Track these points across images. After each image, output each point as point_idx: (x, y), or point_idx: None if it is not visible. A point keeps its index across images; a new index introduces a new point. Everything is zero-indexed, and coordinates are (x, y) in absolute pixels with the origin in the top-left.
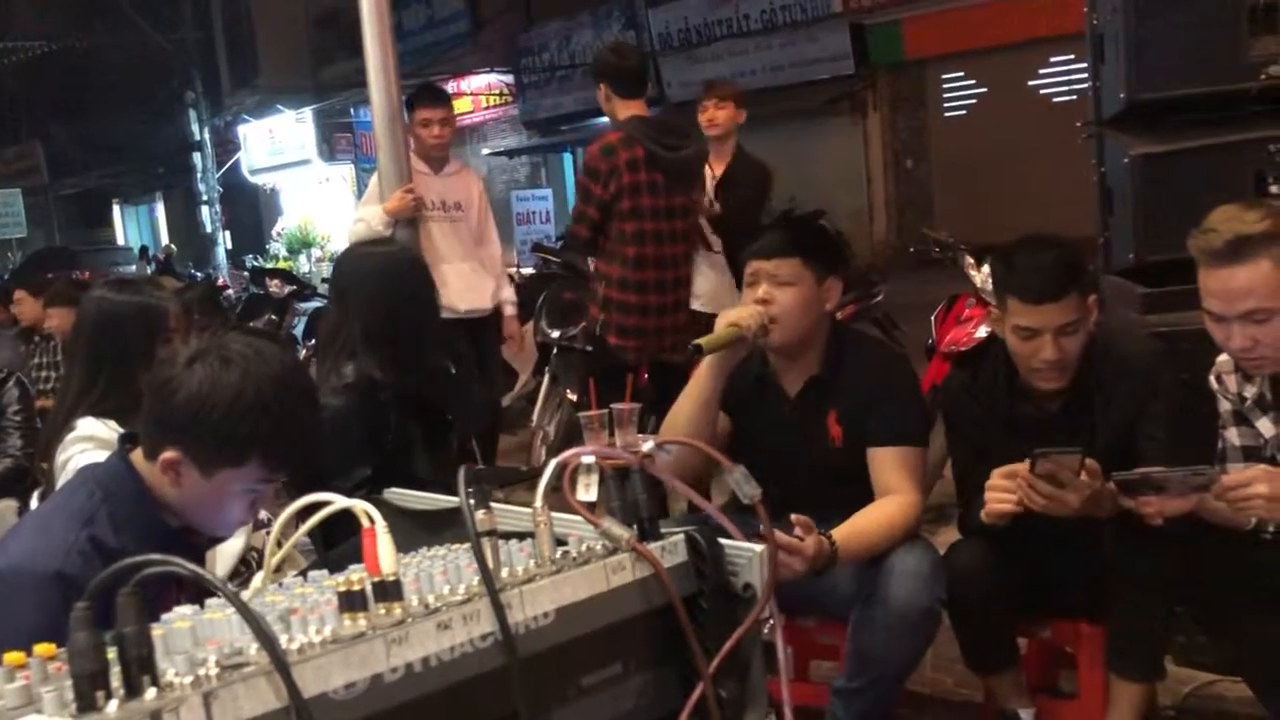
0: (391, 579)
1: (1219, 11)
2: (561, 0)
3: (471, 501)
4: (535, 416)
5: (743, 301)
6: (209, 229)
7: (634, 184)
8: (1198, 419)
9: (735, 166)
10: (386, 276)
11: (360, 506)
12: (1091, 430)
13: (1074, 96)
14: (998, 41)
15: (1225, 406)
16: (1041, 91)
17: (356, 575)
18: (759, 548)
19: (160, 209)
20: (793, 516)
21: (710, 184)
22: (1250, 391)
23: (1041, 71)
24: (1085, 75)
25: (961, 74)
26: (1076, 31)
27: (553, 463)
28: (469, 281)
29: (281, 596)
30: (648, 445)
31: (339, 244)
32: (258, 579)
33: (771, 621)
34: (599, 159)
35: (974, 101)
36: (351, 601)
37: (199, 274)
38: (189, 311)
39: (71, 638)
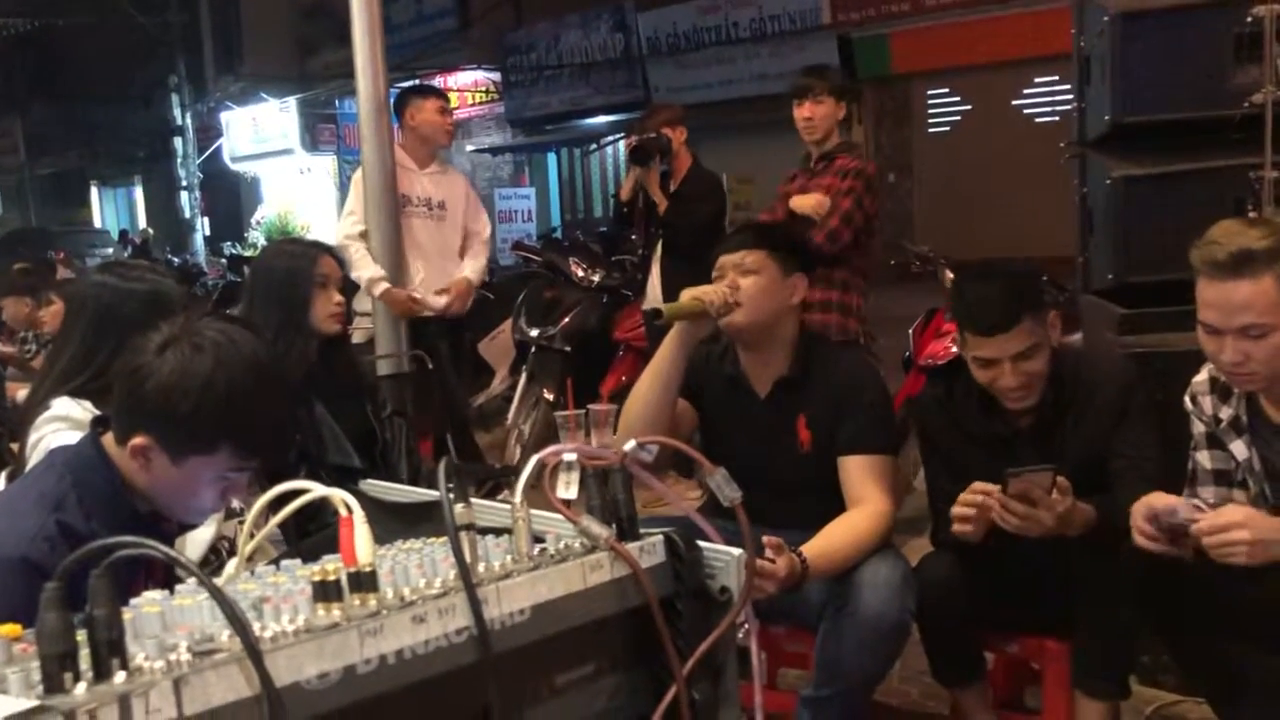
0: (367, 570)
1: (1205, 39)
2: (551, 0)
3: (451, 495)
4: (511, 415)
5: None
6: (188, 215)
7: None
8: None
9: (687, 181)
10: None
11: (338, 495)
12: (1062, 447)
13: (1056, 117)
14: (983, 60)
15: (1198, 429)
16: (1025, 111)
17: (332, 565)
18: (737, 552)
19: (139, 192)
20: (765, 538)
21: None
22: (1225, 413)
23: (1025, 91)
24: (1068, 96)
25: (946, 90)
26: (1061, 53)
27: (533, 459)
28: (447, 281)
29: (254, 585)
30: (629, 445)
31: (318, 234)
32: (231, 566)
33: (747, 626)
34: (876, 173)
35: (958, 118)
36: (326, 591)
37: (176, 259)
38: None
39: (41, 618)
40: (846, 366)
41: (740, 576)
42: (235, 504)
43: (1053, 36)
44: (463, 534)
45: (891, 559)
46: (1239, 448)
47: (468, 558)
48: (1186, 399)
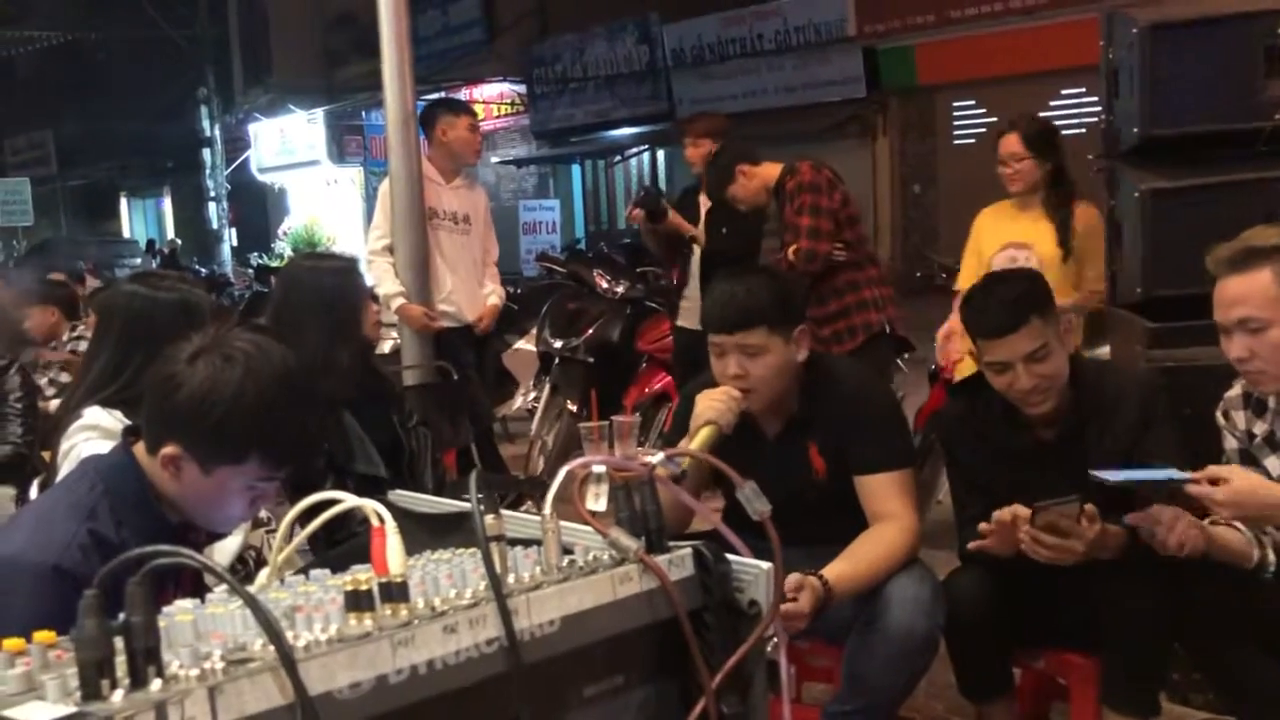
0: (399, 580)
1: (1234, 51)
2: (576, 12)
3: (482, 507)
4: (534, 426)
5: (715, 373)
6: (215, 225)
7: (844, 193)
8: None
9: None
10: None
11: (370, 506)
12: (1086, 459)
13: (1083, 130)
14: (1009, 71)
15: (1231, 444)
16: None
17: (364, 575)
18: (766, 565)
19: (167, 203)
20: (787, 581)
21: (702, 215)
22: (1260, 429)
23: (1052, 103)
24: (1095, 109)
25: (972, 102)
26: (1087, 65)
27: (563, 470)
28: (473, 294)
29: (285, 594)
30: (657, 458)
31: (344, 245)
32: (263, 575)
33: (775, 640)
34: (813, 170)
35: (983, 130)
36: (358, 601)
37: (203, 269)
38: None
39: (80, 624)
40: (850, 385)
41: (769, 590)
42: (262, 513)
43: (1079, 48)
44: (493, 545)
45: (920, 574)
46: (1273, 464)
47: (498, 569)
48: (1219, 413)
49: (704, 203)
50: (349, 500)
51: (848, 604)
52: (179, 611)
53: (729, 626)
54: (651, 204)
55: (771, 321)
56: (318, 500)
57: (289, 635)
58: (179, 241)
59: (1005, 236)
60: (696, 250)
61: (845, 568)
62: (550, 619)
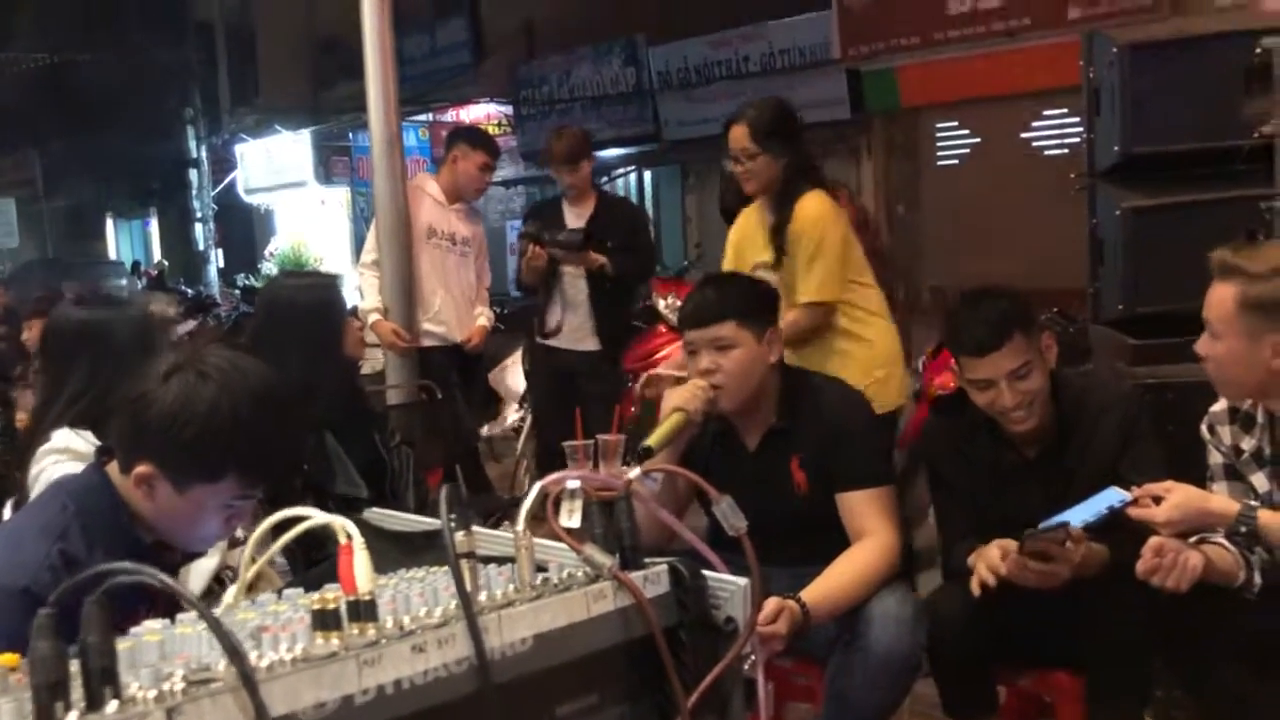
0: (367, 598)
1: (1214, 70)
2: (563, 34)
3: (452, 523)
4: (520, 446)
5: (688, 372)
6: (201, 246)
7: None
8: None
9: (603, 221)
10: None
11: (338, 523)
12: (1069, 475)
13: (1065, 150)
14: (991, 93)
15: (1216, 459)
16: (1033, 143)
17: (331, 594)
18: (743, 581)
19: (154, 225)
20: (764, 606)
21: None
22: (1247, 444)
23: (1034, 124)
24: (1076, 129)
25: (955, 123)
26: (1069, 86)
27: (536, 486)
28: (463, 316)
29: (254, 614)
30: (633, 473)
31: (331, 266)
32: (229, 594)
33: (753, 657)
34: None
35: (966, 151)
36: (325, 620)
37: (189, 290)
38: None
39: (32, 646)
40: (833, 401)
41: (746, 606)
42: (240, 532)
43: (1061, 70)
44: (464, 562)
45: (902, 593)
46: (1260, 480)
47: (469, 586)
48: (1204, 428)
49: (571, 216)
50: (317, 517)
51: (831, 623)
52: (147, 632)
53: (705, 644)
54: (573, 242)
55: (741, 316)
56: (286, 517)
57: (254, 655)
58: (165, 263)
59: (756, 254)
60: (569, 272)
61: (824, 589)
62: (522, 637)
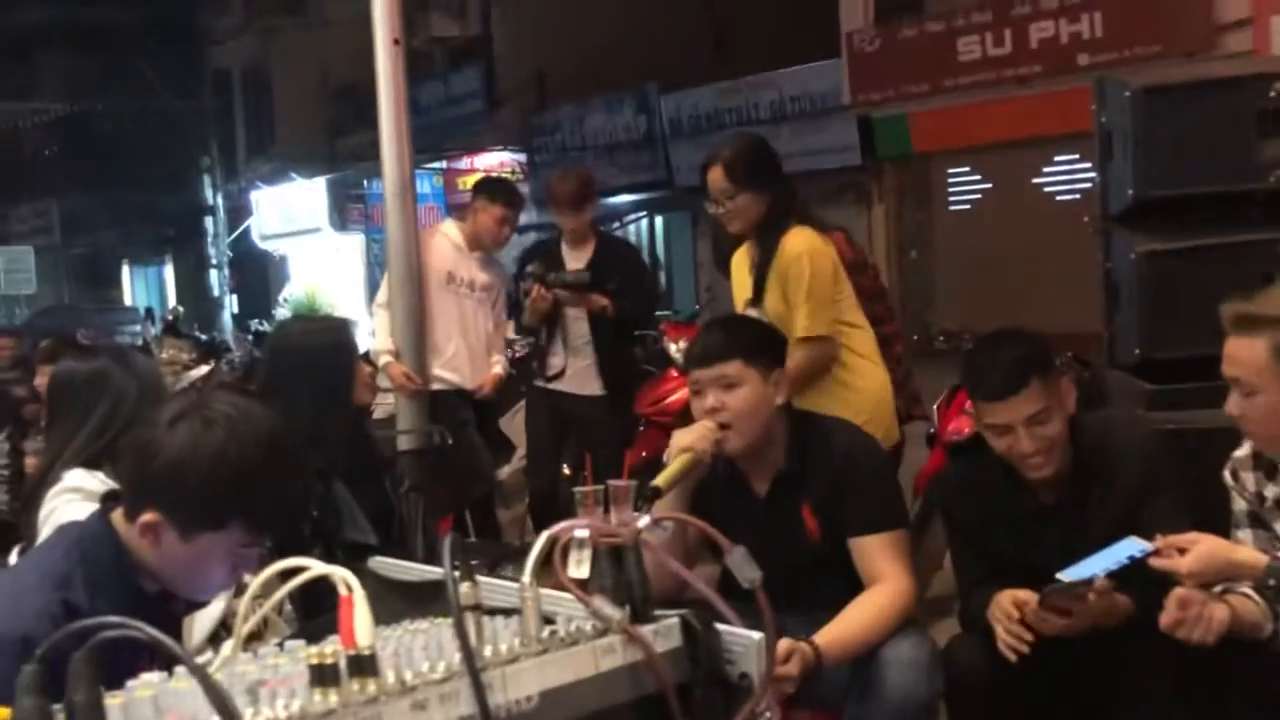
0: (367, 653)
1: (1228, 113)
2: (575, 83)
3: (456, 574)
4: (530, 492)
5: (693, 413)
6: (216, 293)
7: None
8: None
9: (605, 265)
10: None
11: (339, 573)
12: (1089, 523)
13: (1077, 195)
14: (1003, 138)
15: (1240, 506)
16: (1045, 189)
17: (331, 648)
18: (757, 635)
19: (169, 271)
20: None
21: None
22: (1271, 491)
23: (1045, 170)
24: (1088, 175)
25: (967, 169)
26: (1080, 131)
27: (544, 535)
28: (478, 363)
29: (253, 667)
30: (643, 521)
31: (346, 312)
32: (227, 647)
33: (769, 716)
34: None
35: (978, 197)
36: (323, 676)
37: (203, 336)
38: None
39: (17, 703)
40: (842, 444)
41: (760, 662)
42: (246, 580)
43: (1072, 115)
44: (468, 615)
45: (916, 638)
46: None
47: (473, 640)
48: (1226, 473)
49: (571, 259)
50: (318, 567)
51: (844, 669)
52: (141, 686)
53: (719, 701)
54: (577, 284)
55: (747, 355)
56: (286, 567)
57: (249, 713)
58: (181, 309)
59: (744, 293)
60: (571, 314)
61: (837, 632)
62: (528, 694)
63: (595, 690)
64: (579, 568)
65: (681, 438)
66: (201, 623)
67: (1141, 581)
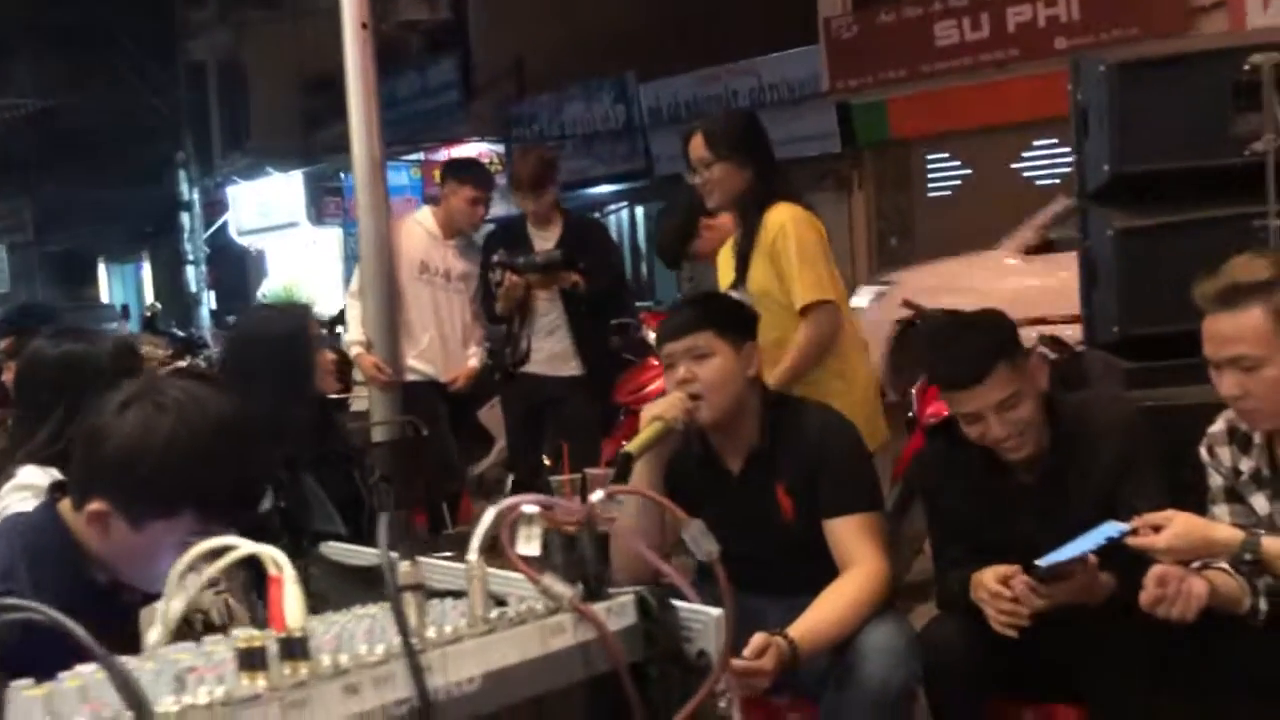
0: (298, 635)
1: (1203, 88)
2: (553, 73)
3: (394, 554)
4: (509, 484)
5: (665, 387)
6: (194, 289)
7: None
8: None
9: (574, 243)
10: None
11: (267, 552)
12: (1069, 502)
13: (1056, 180)
14: (981, 124)
15: (1216, 481)
16: (1024, 174)
17: (260, 631)
18: (716, 612)
19: (146, 268)
20: (752, 640)
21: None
22: (1246, 465)
23: (1024, 154)
24: (1067, 159)
25: (946, 155)
26: (1058, 116)
27: (491, 511)
28: (453, 355)
29: (187, 655)
30: (597, 496)
31: (324, 307)
32: (153, 633)
33: (729, 695)
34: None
35: (958, 182)
36: (251, 660)
37: (181, 332)
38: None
39: None
40: (817, 425)
41: (719, 639)
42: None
43: (1050, 99)
44: (409, 595)
45: (894, 623)
46: (1260, 502)
47: (413, 621)
48: (1202, 450)
49: (539, 240)
50: (246, 546)
51: (822, 656)
52: (71, 677)
53: (676, 680)
54: (557, 263)
55: (718, 327)
56: (212, 547)
57: (169, 700)
58: (159, 305)
59: (726, 279)
60: (542, 297)
61: (812, 623)
62: (469, 676)
63: (543, 671)
64: (529, 545)
65: (652, 408)
66: (162, 618)
67: (1120, 560)
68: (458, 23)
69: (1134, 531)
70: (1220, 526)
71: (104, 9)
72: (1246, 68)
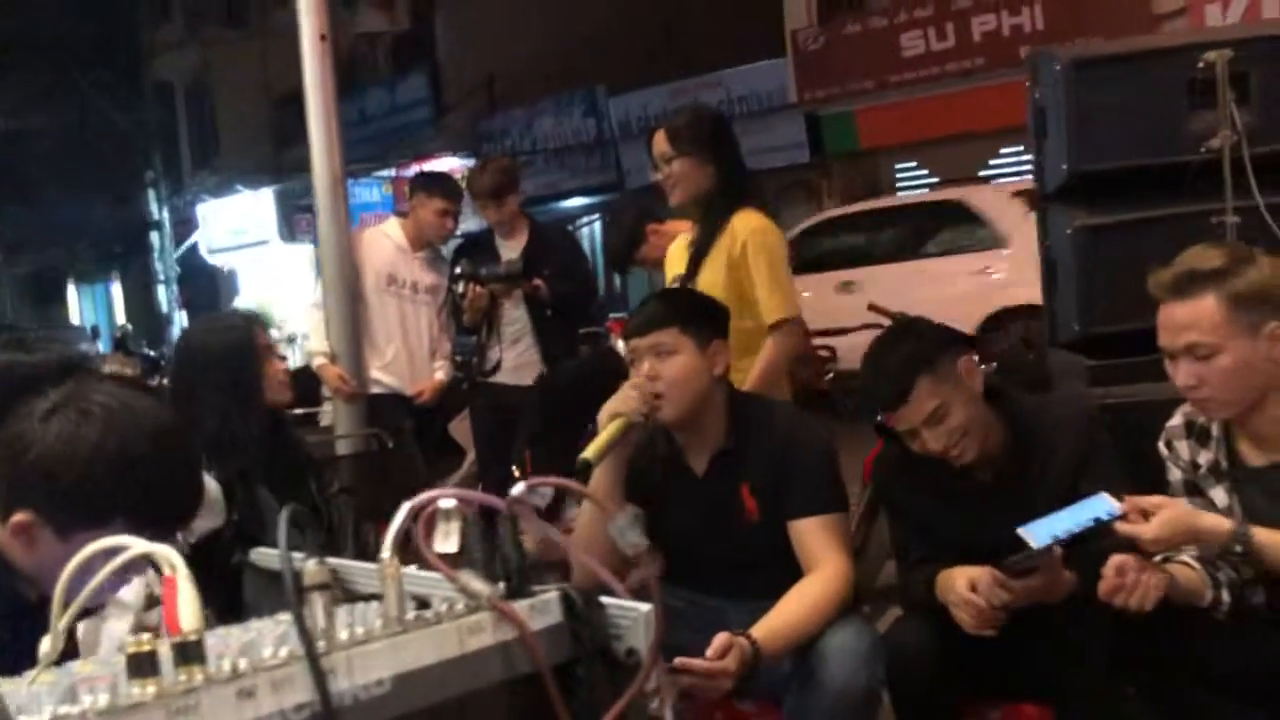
0: (193, 639)
1: (1159, 85)
2: (523, 87)
3: (295, 553)
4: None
5: (631, 381)
6: (165, 309)
7: None
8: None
9: (539, 251)
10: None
11: (161, 552)
12: (1029, 499)
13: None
14: (949, 132)
15: (1175, 475)
16: (992, 181)
17: (150, 637)
18: (645, 607)
19: (116, 288)
20: (715, 639)
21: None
22: (1204, 458)
23: (992, 162)
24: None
25: (914, 163)
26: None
27: (405, 506)
28: (419, 367)
29: (92, 665)
30: (518, 488)
31: (297, 325)
32: (45, 643)
33: (659, 694)
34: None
35: (926, 191)
36: (140, 666)
37: (152, 352)
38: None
39: None
40: (783, 426)
41: (649, 635)
42: (155, 589)
43: (1017, 107)
44: (316, 595)
45: (857, 625)
46: (1219, 494)
47: (321, 623)
48: (1161, 444)
49: (506, 250)
50: (139, 546)
51: (786, 659)
52: None
53: (603, 679)
54: (515, 274)
55: (684, 323)
56: (106, 547)
57: (52, 710)
58: (129, 326)
59: (675, 270)
60: (508, 306)
61: (775, 624)
62: (378, 679)
63: (460, 672)
64: (446, 541)
65: (610, 405)
66: (111, 634)
67: (1084, 555)
68: (427, 38)
69: (1124, 516)
70: (1208, 516)
71: (70, 29)
72: (1201, 65)
